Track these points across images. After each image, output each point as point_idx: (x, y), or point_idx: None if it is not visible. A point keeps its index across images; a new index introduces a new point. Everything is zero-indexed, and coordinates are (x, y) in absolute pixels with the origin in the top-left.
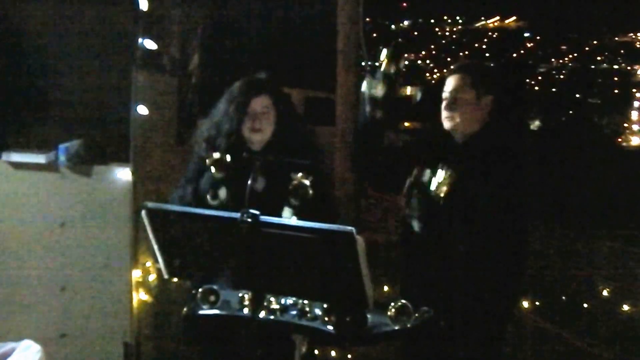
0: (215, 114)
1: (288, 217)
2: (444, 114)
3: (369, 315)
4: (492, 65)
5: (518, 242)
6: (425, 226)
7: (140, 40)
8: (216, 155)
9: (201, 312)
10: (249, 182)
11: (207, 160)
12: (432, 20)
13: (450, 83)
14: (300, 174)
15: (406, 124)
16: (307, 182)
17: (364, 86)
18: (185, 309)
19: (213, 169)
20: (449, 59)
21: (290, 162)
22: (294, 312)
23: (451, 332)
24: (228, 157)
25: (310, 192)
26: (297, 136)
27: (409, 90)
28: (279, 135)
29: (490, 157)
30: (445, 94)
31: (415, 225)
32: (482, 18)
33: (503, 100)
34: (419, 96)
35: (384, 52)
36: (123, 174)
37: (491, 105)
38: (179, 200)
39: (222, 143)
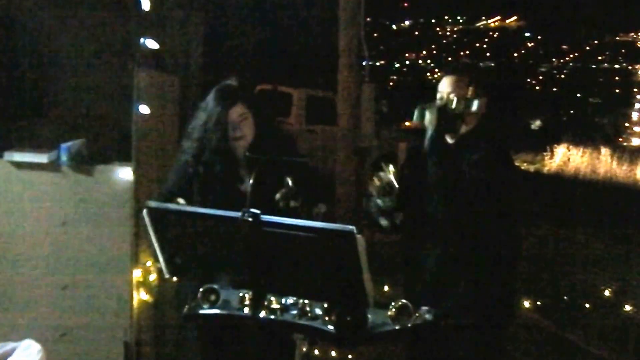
0: (195, 129)
1: None
2: None
3: (369, 315)
4: (486, 66)
5: (509, 240)
6: (421, 223)
7: (142, 40)
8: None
9: (202, 311)
10: (250, 181)
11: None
12: (433, 20)
13: (446, 84)
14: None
15: (407, 123)
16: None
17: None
18: (185, 309)
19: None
20: (449, 59)
21: (286, 160)
22: (295, 312)
23: (451, 332)
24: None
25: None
26: (276, 134)
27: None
28: (259, 137)
29: (481, 155)
30: (441, 94)
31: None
32: (483, 18)
33: (497, 100)
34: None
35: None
36: (124, 174)
37: (485, 106)
38: None
39: (209, 157)
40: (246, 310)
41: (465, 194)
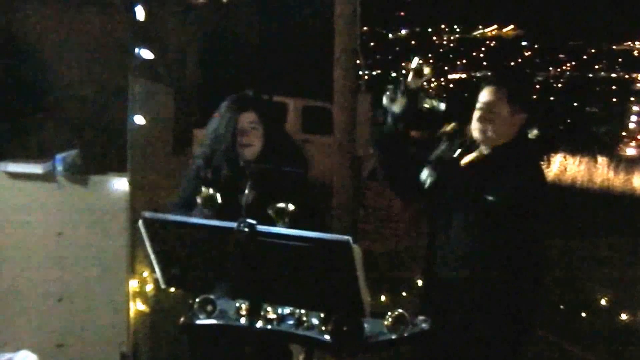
0: (208, 133)
1: None
2: (476, 125)
3: (366, 325)
4: (528, 79)
5: (535, 253)
6: (449, 228)
7: (137, 50)
8: (206, 191)
9: (198, 322)
10: (246, 191)
11: (198, 198)
12: (430, 29)
13: (486, 95)
14: (280, 205)
15: (412, 132)
16: (289, 208)
17: (385, 100)
18: (182, 319)
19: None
20: (446, 68)
21: (282, 171)
22: (291, 322)
23: (466, 344)
24: (218, 197)
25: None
26: (285, 149)
27: (429, 103)
28: (267, 149)
29: (513, 168)
30: (480, 105)
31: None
32: (480, 27)
33: (533, 118)
34: (441, 106)
35: (411, 64)
36: (120, 184)
37: (522, 122)
38: None
39: (218, 161)
40: (243, 320)
41: (495, 210)
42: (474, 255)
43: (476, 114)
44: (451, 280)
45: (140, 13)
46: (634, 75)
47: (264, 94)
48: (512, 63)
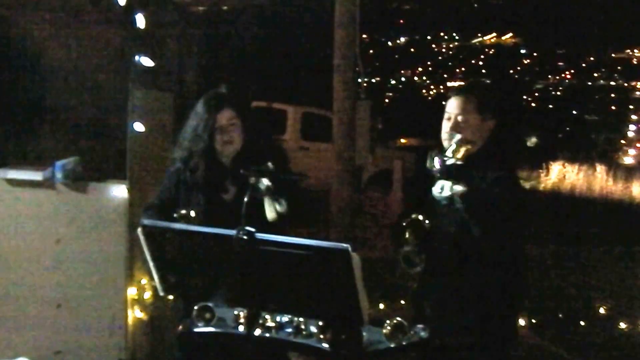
0: (185, 134)
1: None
2: (447, 135)
3: (364, 333)
4: (495, 87)
5: (515, 261)
6: (430, 245)
7: (137, 57)
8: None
9: (196, 329)
10: (245, 199)
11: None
12: (429, 37)
13: (454, 104)
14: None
15: (402, 140)
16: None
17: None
18: (180, 327)
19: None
20: (445, 76)
21: (285, 178)
22: (290, 330)
23: (452, 352)
24: (192, 214)
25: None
26: (264, 144)
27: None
28: (248, 145)
29: (487, 176)
30: (449, 115)
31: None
32: (479, 35)
33: (504, 123)
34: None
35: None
36: (119, 191)
37: (493, 128)
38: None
39: (197, 162)
40: (241, 328)
41: (471, 216)
42: (455, 259)
43: (446, 125)
44: (437, 286)
45: (140, 21)
46: (633, 83)
47: (259, 99)
48: (511, 71)
